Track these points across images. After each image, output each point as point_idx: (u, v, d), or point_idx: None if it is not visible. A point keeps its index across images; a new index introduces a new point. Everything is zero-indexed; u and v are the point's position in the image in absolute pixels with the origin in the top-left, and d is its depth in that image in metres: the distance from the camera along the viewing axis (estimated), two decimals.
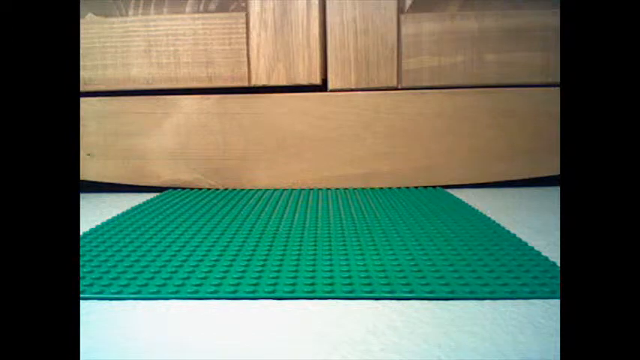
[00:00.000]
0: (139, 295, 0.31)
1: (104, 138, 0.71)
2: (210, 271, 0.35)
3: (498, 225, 0.47)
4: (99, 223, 0.50)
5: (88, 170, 0.72)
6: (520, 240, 0.42)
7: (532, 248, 0.39)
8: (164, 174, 0.71)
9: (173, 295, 0.31)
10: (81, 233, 0.46)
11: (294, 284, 0.32)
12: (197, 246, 0.41)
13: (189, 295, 0.31)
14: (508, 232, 0.44)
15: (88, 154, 0.71)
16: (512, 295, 0.30)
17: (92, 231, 0.47)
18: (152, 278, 0.34)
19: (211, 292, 0.31)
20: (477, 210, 0.54)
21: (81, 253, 0.40)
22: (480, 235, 0.44)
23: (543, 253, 0.38)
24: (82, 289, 0.32)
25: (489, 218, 0.50)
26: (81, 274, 0.35)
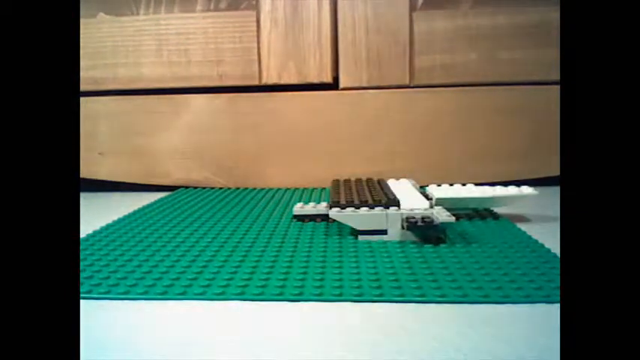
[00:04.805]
0: (146, 296, 0.31)
1: (115, 137, 0.71)
2: (218, 272, 0.35)
3: (514, 225, 0.46)
4: (109, 221, 0.50)
5: (100, 169, 0.72)
6: (536, 242, 0.41)
7: (548, 250, 0.38)
8: (175, 173, 0.71)
9: (180, 297, 0.31)
10: (90, 232, 0.46)
11: (302, 286, 0.32)
12: (206, 246, 0.41)
13: (195, 297, 0.31)
14: (523, 232, 0.43)
15: (100, 153, 0.72)
16: (527, 300, 0.29)
17: (102, 229, 0.47)
18: (160, 279, 0.34)
19: (218, 294, 0.31)
20: (492, 210, 0.53)
21: (89, 252, 0.40)
22: (494, 235, 0.43)
23: (559, 255, 0.37)
24: (89, 288, 0.32)
25: (504, 218, 0.49)
26: (89, 274, 0.35)
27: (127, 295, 0.31)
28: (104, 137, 0.71)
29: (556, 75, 0.65)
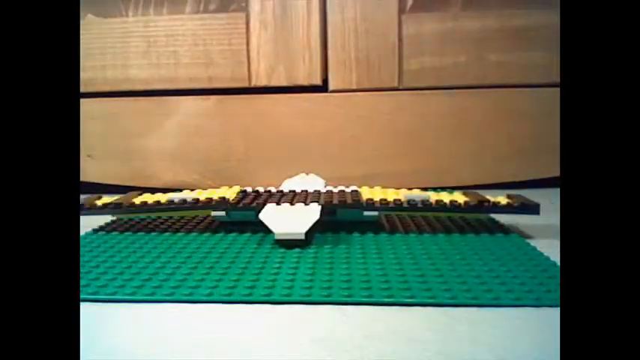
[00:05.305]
0: (134, 297, 0.31)
1: (104, 139, 0.71)
2: (207, 273, 0.34)
3: (502, 226, 0.46)
4: (100, 224, 0.50)
5: (89, 171, 0.71)
6: (528, 244, 0.41)
7: (541, 253, 0.38)
8: (165, 175, 0.71)
9: (168, 298, 0.31)
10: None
11: (290, 287, 0.32)
12: (198, 248, 0.41)
13: (184, 298, 0.30)
14: (515, 235, 0.44)
15: (88, 155, 0.71)
16: (517, 302, 0.29)
17: (93, 232, 0.46)
18: (149, 279, 0.33)
19: (206, 295, 0.31)
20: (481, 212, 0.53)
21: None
22: (485, 238, 0.43)
23: (552, 258, 0.37)
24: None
25: (494, 220, 0.49)
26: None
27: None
28: (93, 139, 0.71)
29: (546, 77, 0.66)
